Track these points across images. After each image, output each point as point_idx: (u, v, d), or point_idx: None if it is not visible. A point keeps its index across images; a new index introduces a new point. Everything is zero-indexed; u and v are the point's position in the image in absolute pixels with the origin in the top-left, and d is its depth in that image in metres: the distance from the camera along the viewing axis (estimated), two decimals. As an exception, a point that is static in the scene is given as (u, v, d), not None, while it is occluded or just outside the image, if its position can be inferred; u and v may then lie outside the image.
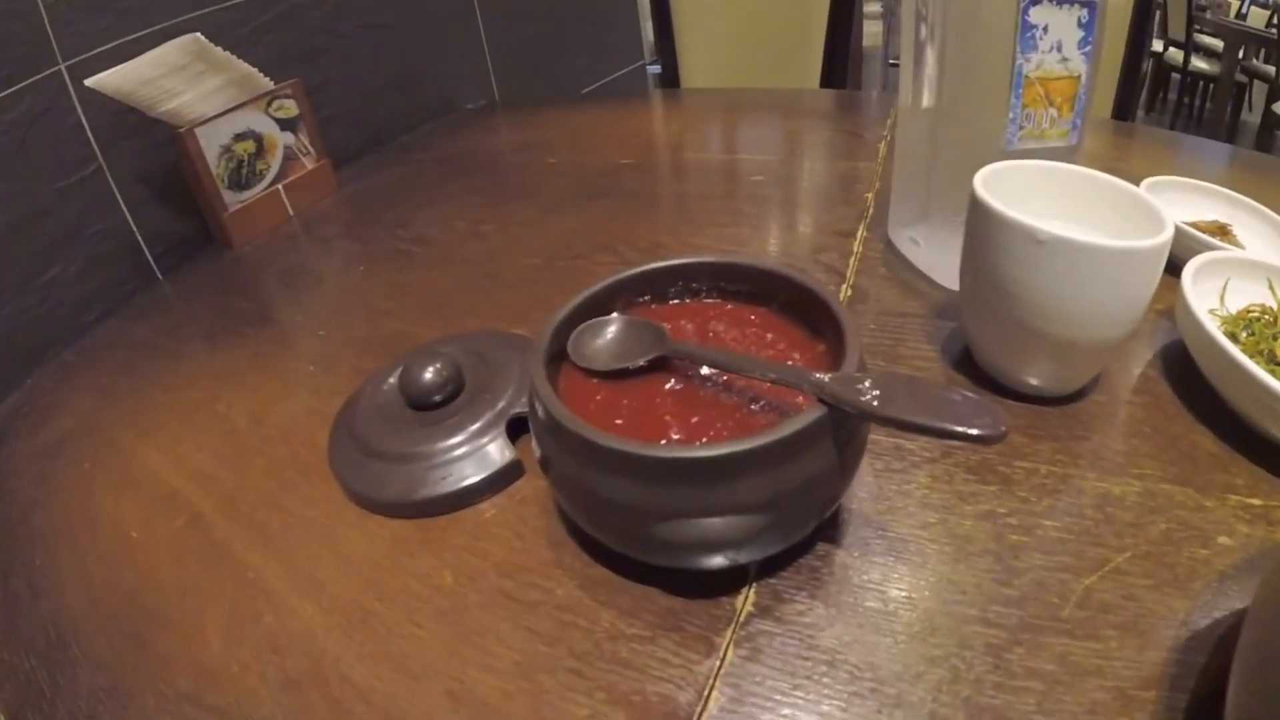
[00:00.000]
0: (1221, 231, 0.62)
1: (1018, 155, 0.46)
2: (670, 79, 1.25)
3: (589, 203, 0.76)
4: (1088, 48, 0.47)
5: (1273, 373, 0.46)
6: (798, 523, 0.34)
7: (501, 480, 0.42)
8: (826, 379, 0.30)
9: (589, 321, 0.37)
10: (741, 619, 0.35)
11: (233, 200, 0.72)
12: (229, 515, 0.44)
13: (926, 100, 0.50)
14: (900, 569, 0.36)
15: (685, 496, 0.30)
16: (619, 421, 0.34)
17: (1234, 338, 0.50)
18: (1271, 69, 3.36)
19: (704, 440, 0.32)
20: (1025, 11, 0.44)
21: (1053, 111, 0.47)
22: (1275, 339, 0.48)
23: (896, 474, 0.40)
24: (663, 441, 0.33)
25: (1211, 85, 3.95)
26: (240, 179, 0.73)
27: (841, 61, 1.19)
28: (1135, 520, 0.39)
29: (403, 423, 0.45)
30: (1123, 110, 1.02)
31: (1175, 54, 3.89)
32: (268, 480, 0.46)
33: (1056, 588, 0.35)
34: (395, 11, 0.95)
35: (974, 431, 0.27)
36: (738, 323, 0.38)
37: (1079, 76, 0.47)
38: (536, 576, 0.38)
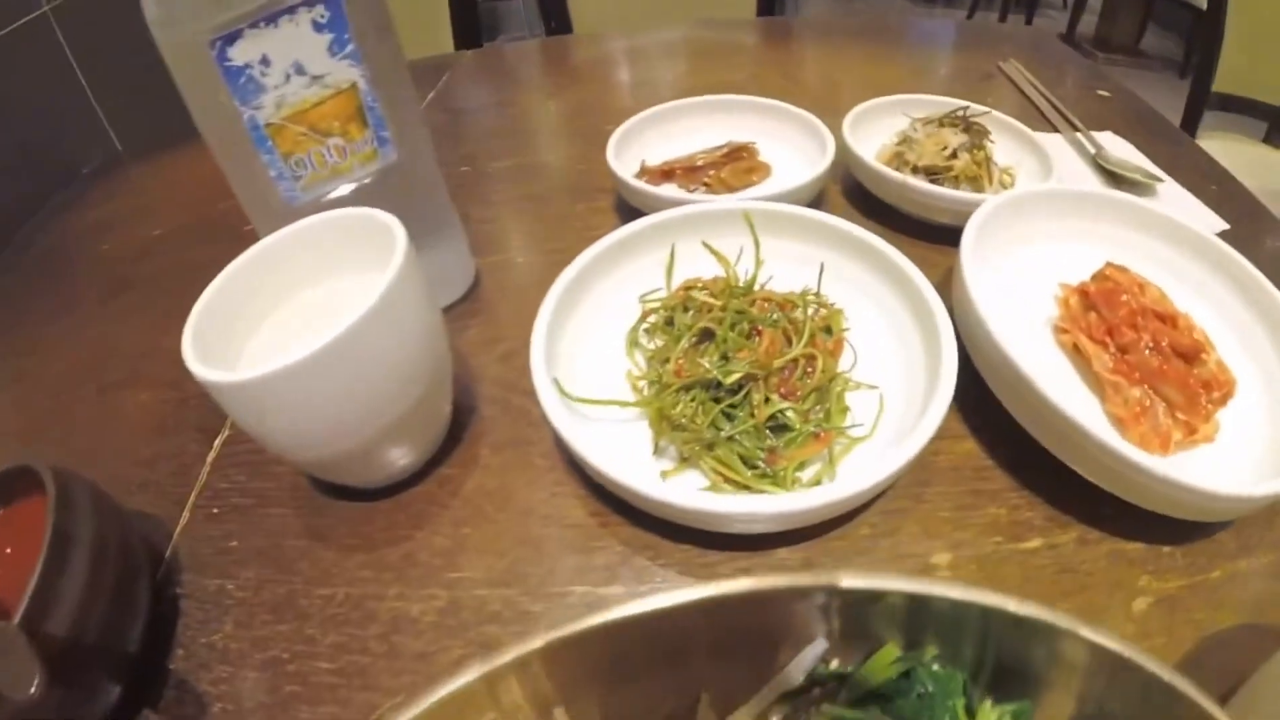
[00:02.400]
0: (737, 155, 0.45)
1: (327, 205, 0.38)
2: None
3: (108, 304, 0.65)
4: (349, 47, 0.35)
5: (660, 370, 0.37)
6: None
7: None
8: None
9: None
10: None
11: None
12: None
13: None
14: (198, 727, 0.37)
15: None
16: None
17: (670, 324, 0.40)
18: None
19: None
20: (222, 56, 0.34)
21: (336, 140, 0.37)
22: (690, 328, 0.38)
23: (210, 624, 0.39)
24: None
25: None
26: None
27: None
28: (425, 649, 0.36)
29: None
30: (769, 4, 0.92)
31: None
32: None
33: (309, 744, 0.35)
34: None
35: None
36: None
37: (354, 85, 0.36)
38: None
